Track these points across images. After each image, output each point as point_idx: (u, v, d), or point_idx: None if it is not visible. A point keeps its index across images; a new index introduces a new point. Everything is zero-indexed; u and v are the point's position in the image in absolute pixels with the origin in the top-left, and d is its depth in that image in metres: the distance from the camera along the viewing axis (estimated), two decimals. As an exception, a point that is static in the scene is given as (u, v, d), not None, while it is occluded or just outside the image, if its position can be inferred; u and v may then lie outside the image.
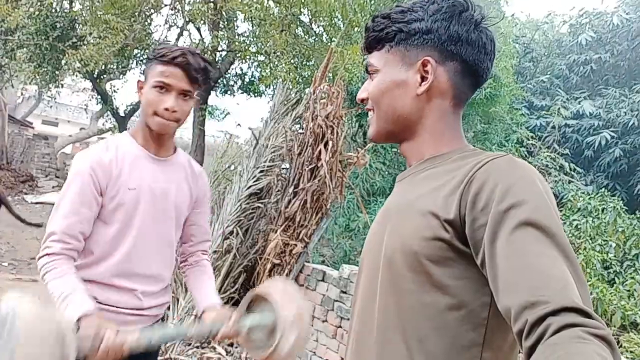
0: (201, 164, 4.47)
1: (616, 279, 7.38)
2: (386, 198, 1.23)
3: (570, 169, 11.26)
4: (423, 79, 1.02)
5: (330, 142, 4.08)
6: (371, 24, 1.08)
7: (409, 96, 1.03)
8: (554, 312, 0.70)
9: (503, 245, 0.80)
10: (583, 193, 10.49)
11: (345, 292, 3.99)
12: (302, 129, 4.23)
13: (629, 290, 6.88)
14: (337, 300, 4.04)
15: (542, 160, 11.09)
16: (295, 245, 4.28)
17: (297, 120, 4.50)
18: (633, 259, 7.94)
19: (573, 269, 0.76)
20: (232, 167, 4.88)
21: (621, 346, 5.82)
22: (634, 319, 6.17)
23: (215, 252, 4.21)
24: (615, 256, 7.86)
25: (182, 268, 1.98)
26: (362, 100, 1.11)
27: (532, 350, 0.70)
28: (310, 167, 4.06)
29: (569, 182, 11.70)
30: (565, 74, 14.24)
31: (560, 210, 10.03)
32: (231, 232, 4.29)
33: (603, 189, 10.40)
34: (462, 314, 0.89)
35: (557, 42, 15.01)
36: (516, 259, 0.78)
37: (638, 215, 9.11)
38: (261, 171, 4.26)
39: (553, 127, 12.56)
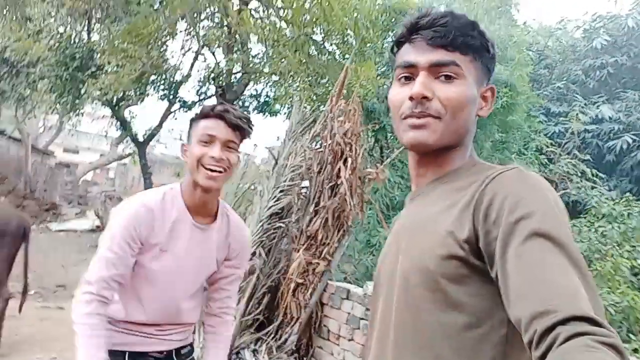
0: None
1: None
2: (406, 212, 1.22)
3: (593, 175, 11.07)
4: (483, 99, 1.05)
5: (349, 159, 4.09)
6: (452, 21, 1.00)
7: (474, 114, 1.03)
8: (563, 321, 0.69)
9: (513, 256, 0.80)
10: (607, 199, 10.30)
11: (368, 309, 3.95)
12: (321, 147, 4.26)
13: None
14: (362, 319, 4.00)
15: (562, 167, 10.93)
16: (318, 264, 4.27)
17: (315, 138, 4.53)
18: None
19: (583, 278, 0.76)
20: (252, 188, 4.91)
21: (657, 355, 5.65)
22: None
23: (238, 273, 4.22)
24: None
25: (205, 313, 1.99)
26: (422, 98, 0.98)
27: (542, 359, 0.69)
28: (330, 184, 4.07)
29: (592, 187, 11.51)
30: (581, 79, 14.08)
31: (585, 217, 9.85)
32: (254, 254, 4.30)
33: (628, 194, 10.18)
34: (480, 333, 0.88)
35: (571, 47, 14.88)
36: (526, 270, 0.78)
37: (666, 220, 8.86)
38: (281, 191, 4.28)
39: (572, 133, 12.39)
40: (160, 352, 1.81)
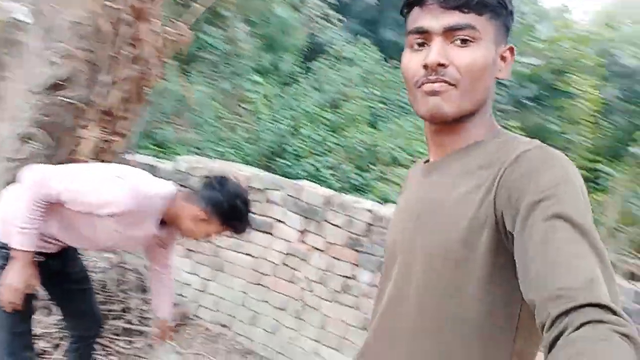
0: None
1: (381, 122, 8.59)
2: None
3: (335, 18, 11.91)
4: (502, 60, 0.98)
5: (150, 18, 3.43)
6: None
7: (492, 77, 0.97)
8: (578, 307, 0.69)
9: (532, 235, 0.79)
10: (345, 41, 11.34)
11: (184, 186, 3.78)
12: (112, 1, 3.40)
13: (390, 130, 8.17)
14: (176, 195, 3.82)
15: (312, 10, 11.38)
16: (115, 141, 3.74)
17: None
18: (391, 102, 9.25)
19: (603, 265, 0.75)
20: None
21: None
22: (395, 157, 7.45)
23: (13, 160, 3.42)
24: (375, 103, 9.03)
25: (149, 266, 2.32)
26: (438, 66, 0.92)
27: (552, 344, 0.69)
28: (128, 49, 3.40)
29: (324, 28, 12.42)
30: None
31: (325, 58, 10.75)
32: (29, 136, 3.49)
33: (364, 38, 11.40)
34: (503, 319, 0.91)
35: None
36: (544, 251, 0.76)
37: (396, 64, 10.39)
38: (61, 56, 3.39)
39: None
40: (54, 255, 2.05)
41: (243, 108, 7.19)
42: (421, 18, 0.95)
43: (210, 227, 1.90)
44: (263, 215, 3.54)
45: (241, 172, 3.63)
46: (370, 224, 3.24)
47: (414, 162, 5.73)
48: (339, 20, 11.95)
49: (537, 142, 0.92)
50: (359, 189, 6.09)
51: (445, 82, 0.93)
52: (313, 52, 11.30)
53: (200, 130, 6.17)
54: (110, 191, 1.81)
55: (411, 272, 0.98)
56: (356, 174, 6.51)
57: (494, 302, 0.90)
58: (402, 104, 9.06)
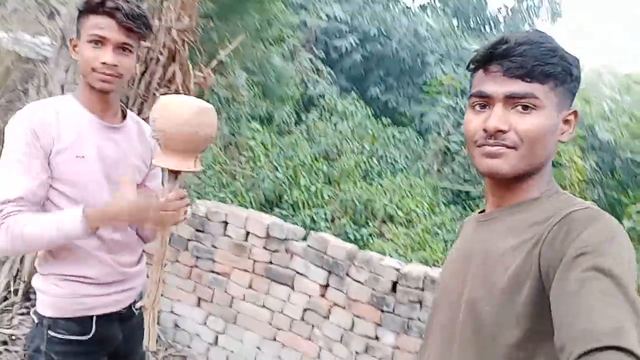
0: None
1: (375, 177, 8.69)
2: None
3: (327, 73, 12.22)
4: (565, 123, 1.01)
5: (181, 62, 3.42)
6: (531, 50, 0.95)
7: (554, 141, 1.00)
8: (602, 349, 0.70)
9: (568, 284, 0.80)
10: (336, 95, 11.60)
11: (202, 231, 3.66)
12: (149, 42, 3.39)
13: (383, 186, 8.25)
14: (191, 240, 3.69)
15: (303, 62, 11.65)
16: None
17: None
18: (382, 158, 9.42)
19: (637, 315, 0.75)
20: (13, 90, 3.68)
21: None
22: (391, 214, 7.50)
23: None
24: (367, 158, 9.18)
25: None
26: (498, 132, 0.96)
27: None
28: (160, 91, 3.36)
29: (317, 81, 12.73)
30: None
31: (317, 111, 10.93)
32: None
33: (352, 93, 11.70)
34: None
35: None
36: (578, 298, 0.78)
37: (384, 121, 10.67)
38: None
39: (309, 28, 13.16)
40: (125, 308, 1.72)
41: (242, 155, 7.16)
42: (485, 82, 0.99)
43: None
44: (284, 267, 3.45)
45: (261, 220, 3.56)
46: (395, 282, 3.19)
47: (409, 220, 5.70)
48: (329, 74, 12.26)
49: (589, 203, 0.94)
50: (356, 245, 6.04)
51: (505, 145, 0.96)
52: (306, 103, 11.49)
53: (201, 175, 6.09)
54: None
55: (456, 321, 1.02)
56: (353, 228, 6.48)
57: (536, 352, 0.90)
58: (393, 161, 9.22)
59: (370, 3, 14.42)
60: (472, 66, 1.03)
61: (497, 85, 0.97)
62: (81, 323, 1.61)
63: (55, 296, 1.59)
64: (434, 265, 6.19)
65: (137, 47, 1.61)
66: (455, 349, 1.01)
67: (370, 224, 6.93)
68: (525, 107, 0.95)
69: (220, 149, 6.73)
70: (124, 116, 1.70)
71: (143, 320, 1.70)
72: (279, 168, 7.14)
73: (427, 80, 11.21)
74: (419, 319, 3.09)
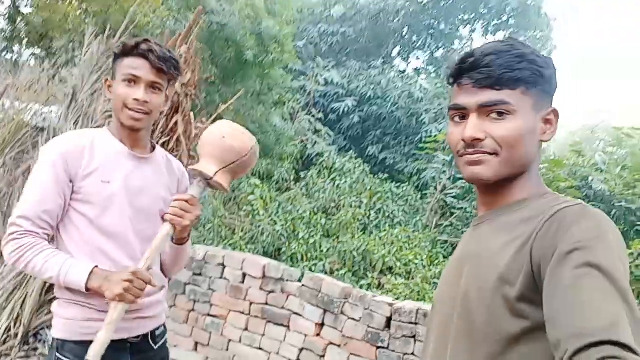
0: None
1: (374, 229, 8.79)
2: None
3: (326, 133, 12.59)
4: (546, 123, 1.04)
5: (184, 113, 3.65)
6: (497, 60, 0.99)
7: (535, 142, 1.03)
8: (597, 344, 0.71)
9: (560, 280, 0.82)
10: (335, 154, 11.93)
11: (200, 275, 3.75)
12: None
13: (382, 238, 8.32)
14: (189, 284, 3.77)
15: (302, 123, 12.05)
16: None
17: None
18: (379, 211, 9.56)
19: (630, 310, 0.76)
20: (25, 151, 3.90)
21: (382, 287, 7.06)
22: (390, 265, 7.52)
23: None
24: (366, 211, 9.33)
25: None
26: (474, 140, 1.00)
27: None
28: (164, 140, 3.57)
29: (316, 143, 13.08)
30: (316, 42, 15.57)
31: (316, 169, 11.21)
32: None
33: (351, 151, 12.00)
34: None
35: (311, 10, 16.19)
36: (572, 294, 0.79)
37: (381, 177, 10.87)
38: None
39: (308, 92, 13.72)
40: (137, 337, 1.72)
41: (242, 210, 7.30)
42: (459, 95, 1.04)
43: None
44: (279, 307, 3.50)
45: (258, 261, 3.65)
46: (389, 318, 3.24)
47: (409, 271, 5.72)
48: (328, 134, 12.63)
49: (579, 201, 0.97)
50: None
51: (485, 152, 1.01)
52: (306, 162, 11.76)
53: (200, 228, 6.21)
54: None
55: (451, 320, 1.03)
56: (352, 280, 6.49)
57: (527, 354, 0.91)
58: (391, 215, 9.31)
59: (366, 68, 15.08)
60: (450, 81, 1.09)
61: (469, 97, 1.01)
62: (88, 347, 1.55)
63: (65, 318, 1.66)
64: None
65: (167, 87, 1.73)
66: (449, 346, 1.02)
67: (369, 275, 6.92)
68: (500, 114, 0.99)
69: (220, 203, 6.90)
70: (153, 149, 1.83)
71: (167, 357, 1.77)
72: (277, 222, 7.25)
73: (423, 138, 11.53)
74: (414, 354, 3.12)
